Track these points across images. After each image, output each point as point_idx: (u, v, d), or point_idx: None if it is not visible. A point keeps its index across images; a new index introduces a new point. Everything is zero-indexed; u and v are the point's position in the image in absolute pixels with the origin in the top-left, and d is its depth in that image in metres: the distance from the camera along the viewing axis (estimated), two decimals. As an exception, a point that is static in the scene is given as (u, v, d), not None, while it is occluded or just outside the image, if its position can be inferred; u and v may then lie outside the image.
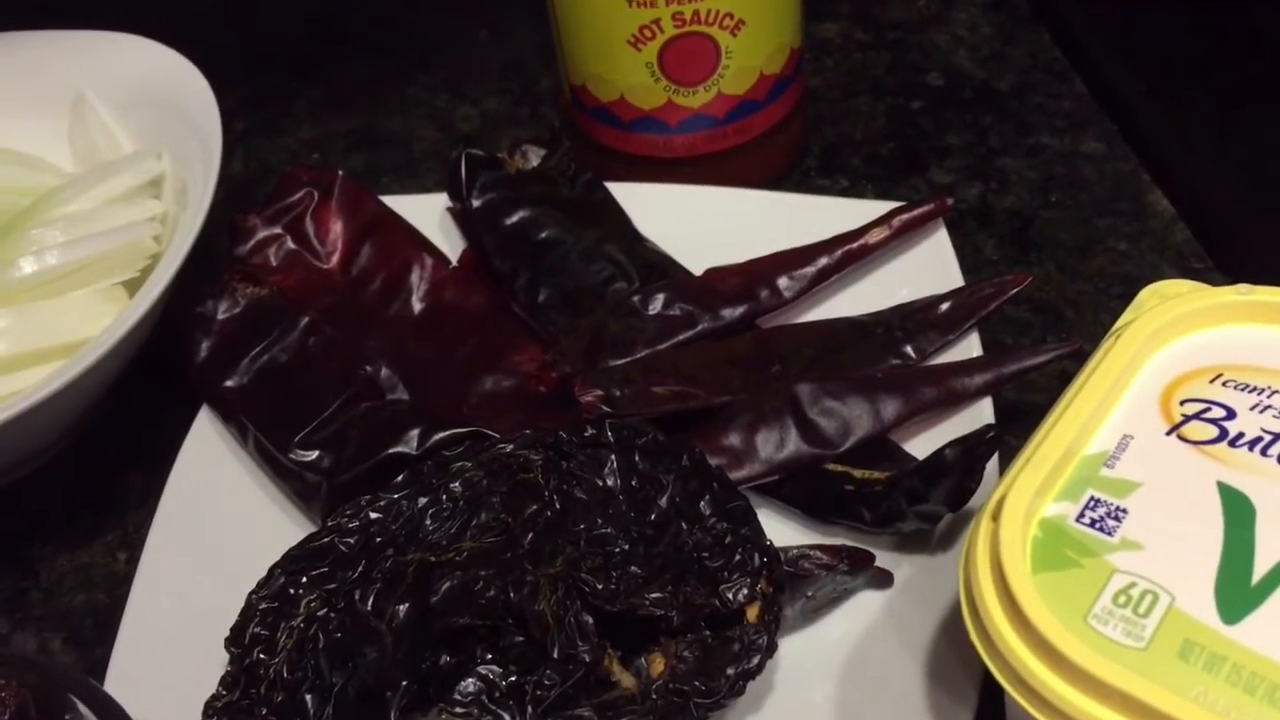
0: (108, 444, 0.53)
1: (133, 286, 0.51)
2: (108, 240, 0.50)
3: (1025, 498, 0.31)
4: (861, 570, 0.42)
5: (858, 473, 0.43)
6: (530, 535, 0.40)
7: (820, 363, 0.47)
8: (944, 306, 0.48)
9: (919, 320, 0.48)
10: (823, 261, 0.50)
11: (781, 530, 0.44)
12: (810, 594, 0.41)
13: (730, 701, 0.37)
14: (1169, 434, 0.33)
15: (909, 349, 0.48)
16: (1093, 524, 0.31)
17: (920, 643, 0.40)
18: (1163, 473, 0.32)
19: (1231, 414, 0.33)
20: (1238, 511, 0.31)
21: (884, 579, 0.42)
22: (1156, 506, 0.31)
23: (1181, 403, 0.34)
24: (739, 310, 0.50)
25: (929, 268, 0.51)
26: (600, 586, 0.37)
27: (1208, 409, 0.33)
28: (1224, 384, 0.34)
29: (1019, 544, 0.31)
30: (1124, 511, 0.31)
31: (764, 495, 0.45)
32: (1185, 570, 0.30)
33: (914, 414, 0.45)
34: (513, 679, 0.39)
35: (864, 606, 0.42)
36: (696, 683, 0.37)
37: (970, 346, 0.48)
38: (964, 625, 0.38)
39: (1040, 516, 0.32)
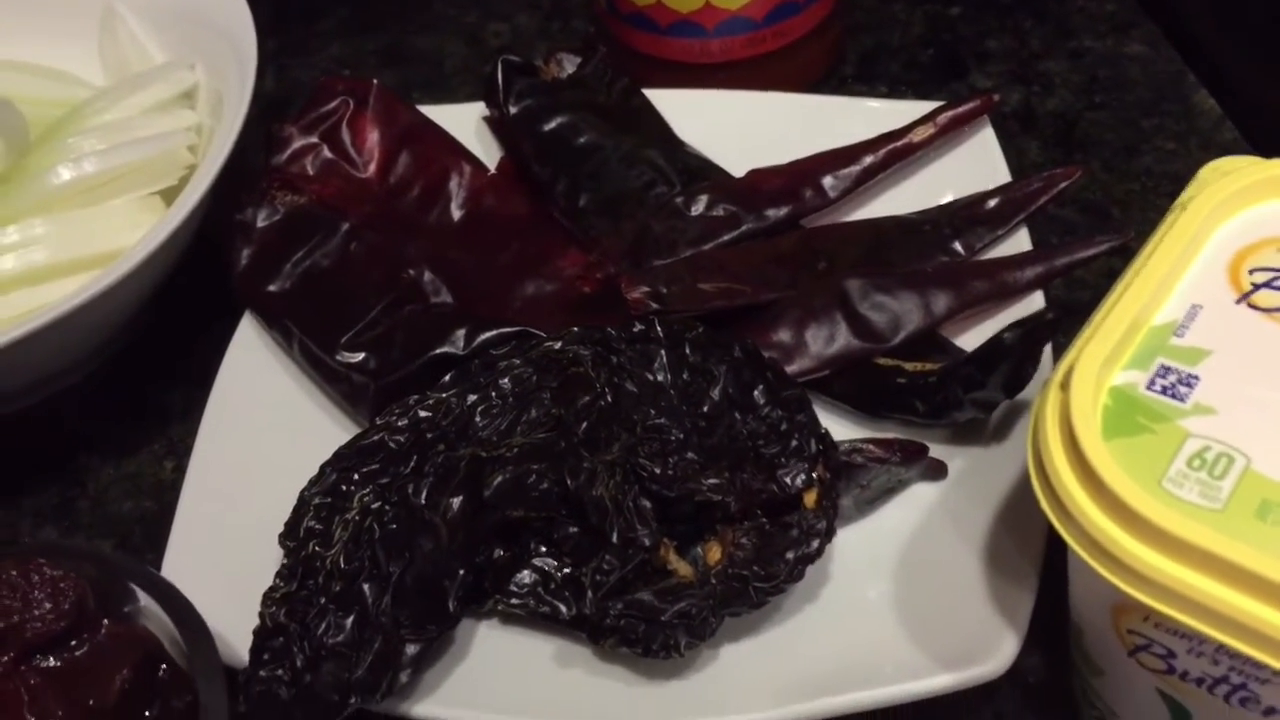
0: (151, 355, 0.53)
1: (170, 197, 0.51)
2: (144, 148, 0.50)
3: (1094, 366, 0.31)
4: (915, 461, 0.41)
5: (909, 365, 0.43)
6: (584, 425, 0.39)
7: (868, 260, 0.47)
8: (992, 202, 0.48)
9: (967, 217, 0.48)
10: (867, 160, 0.50)
11: (833, 427, 0.43)
12: (864, 484, 0.41)
13: (789, 586, 0.37)
14: (1239, 302, 0.32)
15: (957, 245, 0.47)
16: (1164, 391, 0.31)
17: (976, 532, 0.40)
18: (1234, 340, 0.32)
19: (1303, 281, 0.32)
20: (1311, 384, 0.30)
21: (938, 470, 0.42)
22: (1228, 372, 0.31)
23: (1250, 271, 0.33)
24: (783, 210, 0.49)
25: (975, 167, 0.50)
26: (658, 471, 0.37)
27: (1277, 277, 0.33)
28: (1295, 251, 0.33)
29: (1090, 411, 0.30)
30: (1195, 378, 0.31)
31: (814, 391, 0.44)
32: (1260, 433, 0.29)
33: (965, 307, 0.44)
34: (568, 571, 0.39)
35: (919, 499, 0.42)
36: (755, 568, 0.37)
37: (1020, 242, 0.47)
38: (1024, 507, 0.38)
39: (1110, 385, 0.31)
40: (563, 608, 0.39)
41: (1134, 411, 0.31)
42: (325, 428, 0.46)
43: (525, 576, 0.40)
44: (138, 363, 0.52)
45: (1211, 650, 0.30)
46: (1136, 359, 0.32)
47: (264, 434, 0.46)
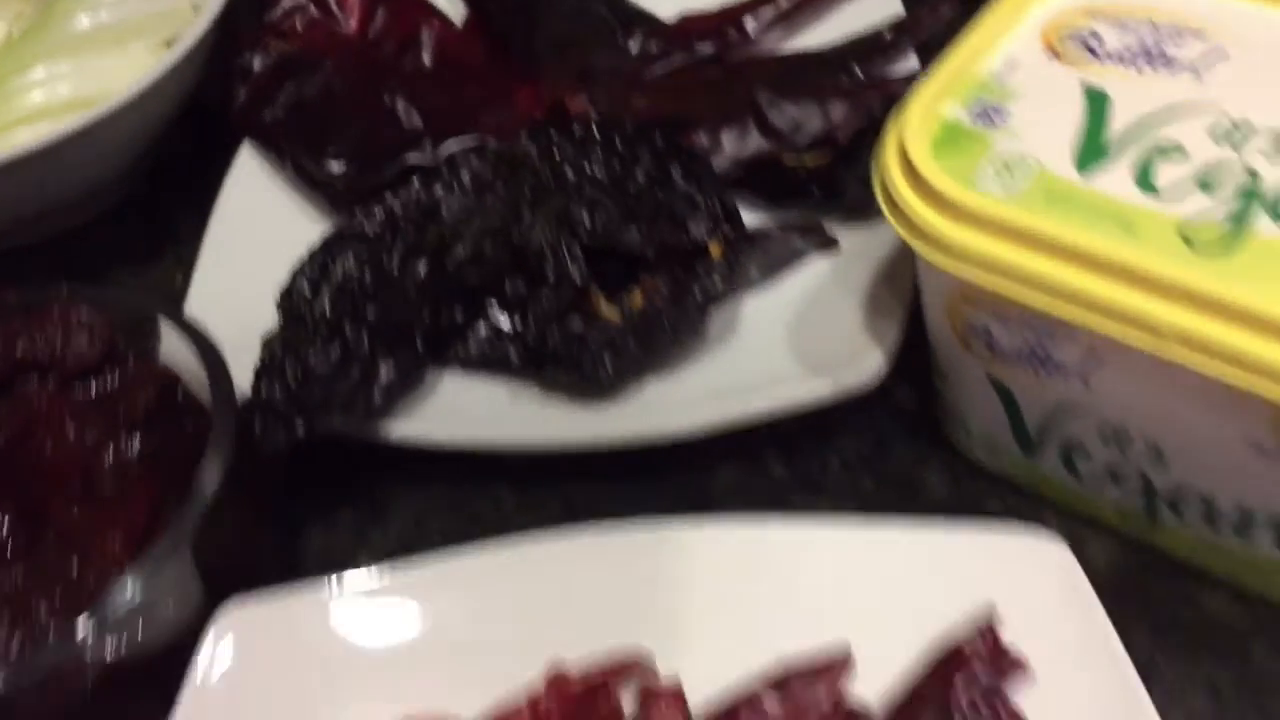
0: (161, 188, 0.60)
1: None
2: (153, 2, 0.57)
3: (924, 103, 0.38)
4: (812, 234, 0.49)
5: (809, 159, 0.50)
6: (529, 196, 0.47)
7: (780, 83, 0.54)
8: (888, 35, 0.55)
9: (867, 48, 0.55)
10: (784, 4, 0.57)
11: (747, 219, 0.51)
12: (767, 251, 0.48)
13: (698, 320, 0.45)
14: (1047, 56, 0.40)
15: (857, 70, 0.54)
16: (979, 118, 0.38)
17: (860, 289, 0.47)
18: (1039, 82, 0.39)
19: (1100, 39, 0.40)
20: (1096, 102, 0.38)
21: (830, 243, 0.49)
22: (1032, 104, 0.38)
23: (1060, 34, 0.40)
24: (709, 47, 0.56)
25: (877, 10, 0.57)
26: (588, 224, 0.45)
27: (1081, 36, 0.40)
28: (1097, 18, 0.40)
29: (920, 135, 0.38)
30: (1007, 110, 0.38)
31: (731, 188, 0.51)
32: (1051, 144, 0.37)
33: (857, 113, 0.52)
34: (518, 328, 0.47)
35: (814, 268, 0.49)
36: (670, 305, 0.44)
37: (909, 66, 0.54)
38: (899, 269, 0.46)
39: (938, 115, 0.39)
40: (512, 353, 0.47)
41: (955, 134, 0.38)
42: (313, 231, 0.53)
43: (481, 330, 0.47)
44: (155, 192, 0.60)
45: (1017, 321, 0.37)
46: (960, 97, 0.39)
47: (262, 235, 0.53)
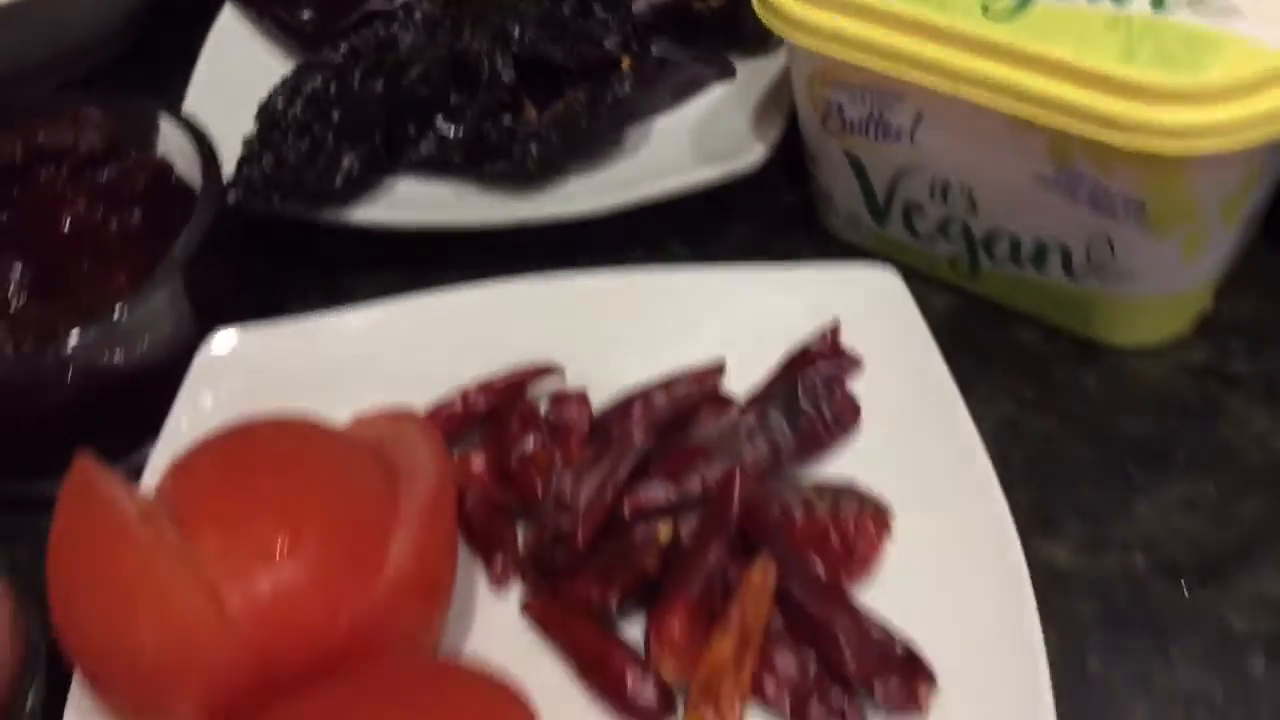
0: (149, 53, 0.68)
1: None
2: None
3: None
4: (714, 64, 0.57)
5: (713, 2, 0.59)
6: (470, 21, 0.55)
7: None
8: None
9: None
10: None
11: (661, 58, 0.60)
12: (675, 76, 0.57)
13: (611, 119, 0.53)
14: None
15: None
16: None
17: (750, 103, 0.56)
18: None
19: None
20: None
21: (729, 71, 0.58)
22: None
23: None
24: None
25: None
26: (518, 36, 0.53)
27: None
28: None
29: (784, -57, 0.46)
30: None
31: (647, 31, 0.60)
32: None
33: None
34: (460, 135, 0.55)
35: (715, 93, 0.58)
36: (586, 107, 0.53)
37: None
38: (782, 87, 0.54)
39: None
40: (456, 155, 0.55)
41: (814, -56, 0.47)
42: (286, 72, 0.62)
43: (430, 138, 0.56)
44: (143, 55, 0.68)
45: (859, 91, 0.46)
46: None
47: (245, 85, 0.61)
